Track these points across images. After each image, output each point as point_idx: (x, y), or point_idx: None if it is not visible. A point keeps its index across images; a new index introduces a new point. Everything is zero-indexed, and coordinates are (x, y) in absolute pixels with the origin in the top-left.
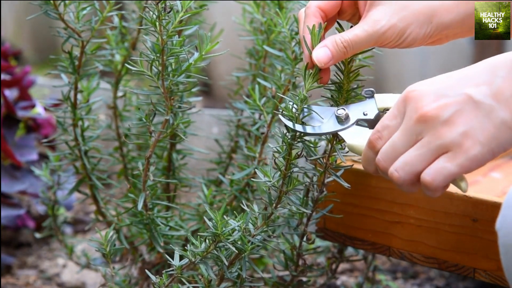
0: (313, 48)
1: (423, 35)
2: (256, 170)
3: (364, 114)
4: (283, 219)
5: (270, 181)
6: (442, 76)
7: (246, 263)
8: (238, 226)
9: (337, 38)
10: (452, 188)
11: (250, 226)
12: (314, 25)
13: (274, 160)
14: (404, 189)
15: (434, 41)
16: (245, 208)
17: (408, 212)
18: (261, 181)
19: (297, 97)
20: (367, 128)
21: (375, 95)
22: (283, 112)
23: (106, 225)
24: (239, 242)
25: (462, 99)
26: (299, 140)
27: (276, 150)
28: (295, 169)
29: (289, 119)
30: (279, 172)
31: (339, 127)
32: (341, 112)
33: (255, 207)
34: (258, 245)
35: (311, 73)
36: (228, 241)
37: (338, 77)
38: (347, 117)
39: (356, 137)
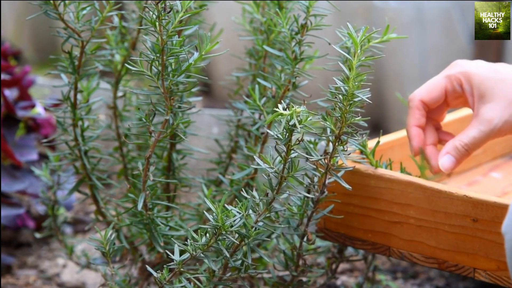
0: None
1: None
2: (255, 157)
3: None
4: (283, 219)
5: (272, 168)
6: None
7: (250, 249)
8: (239, 213)
9: (457, 144)
10: (452, 188)
11: (252, 213)
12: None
13: (275, 146)
14: None
15: None
16: (245, 195)
17: (408, 212)
18: (262, 167)
19: None
20: None
21: None
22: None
23: (106, 225)
24: (243, 230)
25: None
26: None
27: (277, 137)
28: (294, 155)
29: None
30: (279, 158)
31: None
32: None
33: (255, 194)
34: (261, 231)
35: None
36: (232, 228)
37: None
38: None
39: None
